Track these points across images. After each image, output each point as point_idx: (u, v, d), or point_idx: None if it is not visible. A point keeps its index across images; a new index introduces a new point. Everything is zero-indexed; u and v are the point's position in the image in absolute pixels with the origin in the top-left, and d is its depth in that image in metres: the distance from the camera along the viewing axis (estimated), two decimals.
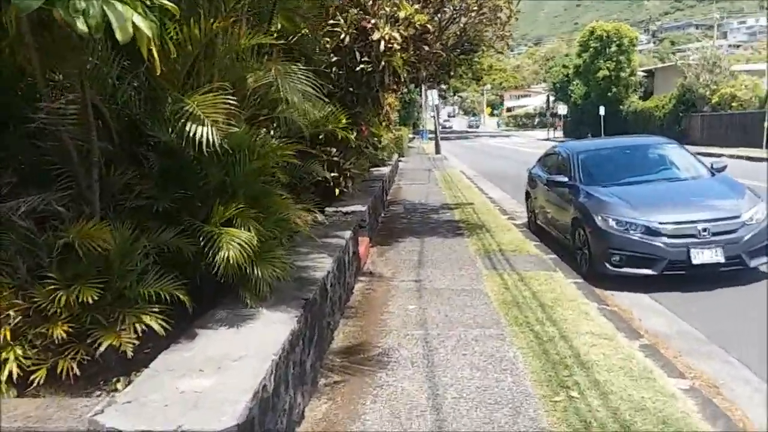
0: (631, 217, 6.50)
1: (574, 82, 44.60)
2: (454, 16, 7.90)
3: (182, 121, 2.80)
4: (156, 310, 2.92)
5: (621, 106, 40.19)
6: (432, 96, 29.82)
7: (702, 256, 6.14)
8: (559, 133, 52.31)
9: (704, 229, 6.21)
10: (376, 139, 11.91)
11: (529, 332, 4.72)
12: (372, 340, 4.67)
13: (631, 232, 6.43)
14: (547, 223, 8.78)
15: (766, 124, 22.09)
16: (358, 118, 7.83)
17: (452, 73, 9.62)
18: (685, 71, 32.84)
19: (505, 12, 7.73)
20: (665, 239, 6.26)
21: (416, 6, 7.31)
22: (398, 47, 6.99)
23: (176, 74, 3.09)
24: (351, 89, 7.70)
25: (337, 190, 7.81)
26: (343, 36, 7.12)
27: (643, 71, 43.41)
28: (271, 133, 4.64)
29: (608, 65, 40.34)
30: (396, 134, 22.25)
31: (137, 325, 2.86)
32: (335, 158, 7.72)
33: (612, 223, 6.57)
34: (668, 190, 7.13)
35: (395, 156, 20.59)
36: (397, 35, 6.95)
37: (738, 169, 11.79)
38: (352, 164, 8.06)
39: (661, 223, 6.31)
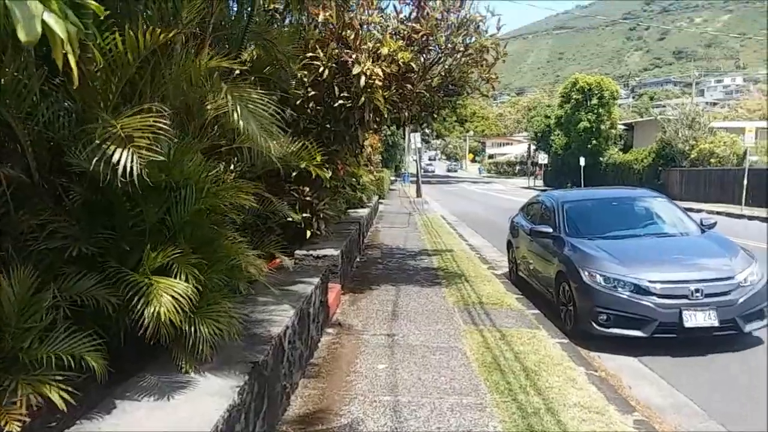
0: (619, 274, 6.09)
1: (555, 133, 45.15)
2: (440, 55, 7.62)
3: (105, 145, 2.31)
4: (59, 377, 2.36)
5: (601, 158, 40.68)
6: (415, 139, 29.78)
7: (695, 319, 5.72)
8: (540, 182, 52.74)
9: (697, 290, 5.81)
10: (354, 179, 11.50)
11: (511, 402, 4.19)
12: (334, 406, 4.10)
13: (620, 290, 6.01)
14: (530, 275, 8.35)
15: (745, 182, 22.22)
16: (334, 157, 7.41)
17: (436, 115, 9.32)
18: (664, 126, 33.38)
19: (491, 53, 7.47)
20: (655, 299, 5.84)
21: (400, 43, 7.01)
22: (380, 83, 6.64)
23: (108, 92, 2.62)
24: (328, 126, 7.30)
25: (308, 232, 7.31)
26: (322, 69, 6.77)
27: (623, 124, 44.18)
28: (232, 167, 4.17)
29: (589, 117, 40.95)
30: (377, 176, 21.94)
31: (33, 397, 2.30)
32: (308, 198, 7.26)
33: (599, 279, 6.15)
34: (658, 246, 6.76)
35: (375, 198, 20.21)
36: (379, 71, 6.62)
37: (720, 226, 11.57)
38: (326, 205, 7.60)
39: (651, 282, 5.91)
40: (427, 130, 41.37)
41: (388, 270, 9.59)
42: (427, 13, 7.16)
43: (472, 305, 7.17)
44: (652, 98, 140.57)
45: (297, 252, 7.25)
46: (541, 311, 7.04)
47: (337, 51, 6.85)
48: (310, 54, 6.79)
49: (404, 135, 38.30)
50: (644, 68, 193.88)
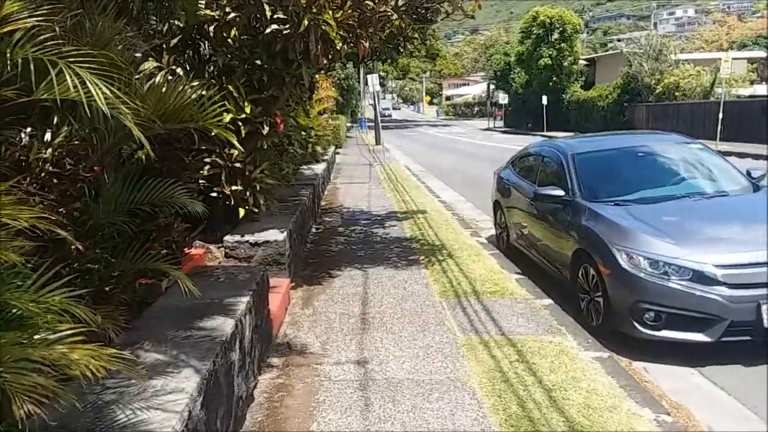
0: (671, 256, 4.43)
1: (516, 70, 43.30)
2: None
3: None
4: None
5: (563, 95, 39.23)
6: (372, 81, 27.43)
7: None
8: (500, 123, 51.25)
9: None
10: (304, 133, 9.46)
11: None
12: None
13: (674, 278, 4.37)
14: (529, 246, 6.67)
15: (720, 116, 21.05)
16: (270, 107, 5.39)
17: (402, 49, 7.31)
18: (630, 59, 31.89)
19: None
20: (725, 290, 4.23)
21: None
22: None
23: None
24: (259, 62, 5.25)
25: (241, 210, 5.36)
26: None
27: (584, 60, 42.58)
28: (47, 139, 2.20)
29: (550, 53, 39.16)
30: (333, 123, 19.74)
31: None
32: (238, 164, 5.27)
33: (643, 263, 4.49)
34: (712, 211, 5.13)
35: (332, 149, 18.14)
36: None
37: None
38: (265, 172, 5.63)
39: (717, 266, 4.28)
40: (383, 71, 38.79)
41: (350, 244, 7.77)
42: None
43: (465, 296, 5.46)
44: (605, 33, 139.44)
45: (227, 238, 5.34)
46: (553, 300, 5.40)
47: None
48: None
49: (359, 77, 35.74)
50: (597, 2, 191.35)
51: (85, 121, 2.17)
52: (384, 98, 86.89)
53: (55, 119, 2.08)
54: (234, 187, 5.25)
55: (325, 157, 14.53)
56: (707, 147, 6.27)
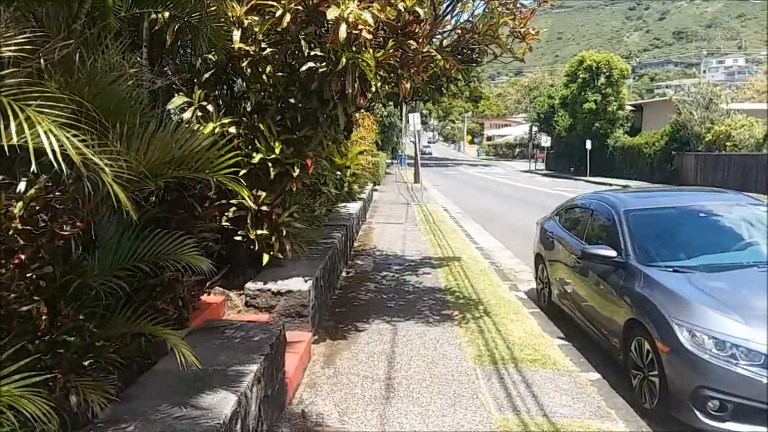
0: (741, 337, 3.87)
1: (559, 113, 42.69)
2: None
3: None
4: None
5: (607, 141, 38.39)
6: (414, 120, 27.33)
7: None
8: (541, 165, 50.53)
9: None
10: (339, 173, 9.20)
11: None
12: None
13: (742, 362, 3.80)
14: (575, 308, 6.13)
15: None
16: (303, 147, 5.10)
17: (445, 89, 7.00)
18: (679, 107, 31.01)
19: None
20: None
21: None
22: (369, 36, 4.36)
23: None
24: (293, 101, 5.00)
25: (265, 257, 5.04)
26: (280, 14, 4.46)
27: (630, 105, 41.76)
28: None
29: (595, 98, 38.55)
30: (372, 161, 19.56)
31: None
32: (265, 207, 4.98)
33: (708, 343, 3.94)
34: None
35: (369, 186, 17.90)
36: (368, 17, 4.34)
37: None
38: (294, 215, 5.32)
39: None
40: (425, 110, 38.83)
41: (381, 292, 7.35)
42: None
43: (501, 362, 4.96)
44: (652, 79, 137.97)
45: (249, 285, 5.02)
46: (601, 374, 4.85)
47: None
48: None
49: (401, 114, 35.83)
50: (644, 49, 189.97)
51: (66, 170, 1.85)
52: (425, 135, 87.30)
53: (33, 167, 1.78)
54: (259, 232, 4.95)
55: (362, 196, 14.27)
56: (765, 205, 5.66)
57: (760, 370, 3.75)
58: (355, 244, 10.72)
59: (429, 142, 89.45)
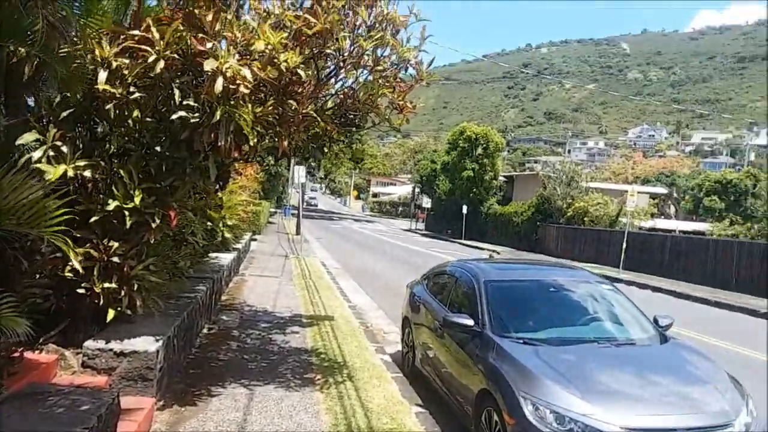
0: (578, 412, 4.10)
1: (440, 178, 44.95)
2: (341, 66, 5.39)
3: None
4: None
5: (482, 207, 40.91)
6: (299, 172, 27.33)
7: None
8: (421, 225, 52.41)
9: None
10: (210, 223, 8.85)
11: None
12: None
13: None
14: (435, 374, 6.22)
15: (624, 245, 22.29)
16: (166, 197, 4.83)
17: (327, 149, 7.06)
18: (545, 182, 33.90)
19: (412, 70, 5.43)
20: None
21: (284, 35, 4.72)
22: (247, 91, 4.30)
23: None
24: (159, 149, 4.76)
25: (110, 312, 4.62)
26: (153, 60, 4.28)
27: (503, 176, 45.04)
28: None
29: (473, 166, 41.16)
30: (253, 209, 19.08)
31: None
32: (115, 258, 4.60)
33: (549, 417, 4.13)
34: (622, 362, 4.87)
35: (247, 236, 17.39)
36: (247, 73, 4.29)
37: None
38: (150, 267, 4.96)
39: (626, 430, 3.99)
40: (312, 164, 39.06)
41: (243, 352, 7.00)
42: (327, 2, 4.93)
43: None
44: (524, 153, 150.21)
45: (88, 344, 4.54)
46: None
47: (183, 34, 4.41)
48: (137, 33, 4.29)
49: (288, 164, 35.71)
50: (519, 125, 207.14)
51: None
52: (312, 188, 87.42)
53: None
54: (106, 285, 4.54)
55: (237, 246, 13.80)
56: (618, 289, 6.23)
57: None
58: (223, 298, 10.24)
59: (314, 193, 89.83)
